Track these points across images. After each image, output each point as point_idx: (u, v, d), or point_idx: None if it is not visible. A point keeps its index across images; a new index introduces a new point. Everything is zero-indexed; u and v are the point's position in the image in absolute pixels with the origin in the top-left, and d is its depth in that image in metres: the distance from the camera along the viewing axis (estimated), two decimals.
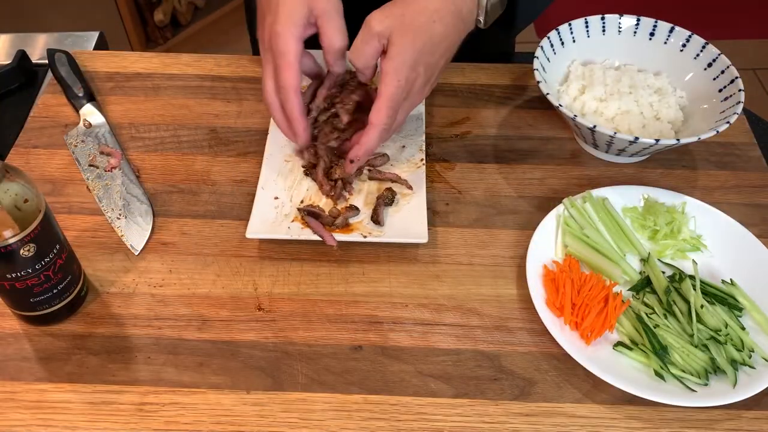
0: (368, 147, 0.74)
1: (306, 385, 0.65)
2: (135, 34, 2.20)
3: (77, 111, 0.88)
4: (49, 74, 0.94)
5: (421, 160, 0.82)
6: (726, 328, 0.67)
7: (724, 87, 0.82)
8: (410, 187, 0.79)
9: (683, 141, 0.75)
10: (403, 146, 0.84)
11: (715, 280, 0.72)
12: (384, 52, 0.72)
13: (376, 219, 0.75)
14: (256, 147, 0.85)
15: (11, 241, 0.59)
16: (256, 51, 0.95)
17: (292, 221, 0.76)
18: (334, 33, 0.72)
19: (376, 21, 0.71)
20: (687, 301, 0.68)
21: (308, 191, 0.79)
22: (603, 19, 0.89)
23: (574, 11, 0.94)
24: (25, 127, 0.88)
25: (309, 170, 0.81)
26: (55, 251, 0.63)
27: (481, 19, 0.77)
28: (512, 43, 1.18)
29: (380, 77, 0.72)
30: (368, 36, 0.71)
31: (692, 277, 0.70)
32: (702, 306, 0.67)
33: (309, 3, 0.71)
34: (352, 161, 0.75)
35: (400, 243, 0.75)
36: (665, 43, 0.89)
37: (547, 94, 0.79)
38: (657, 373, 0.65)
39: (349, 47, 0.74)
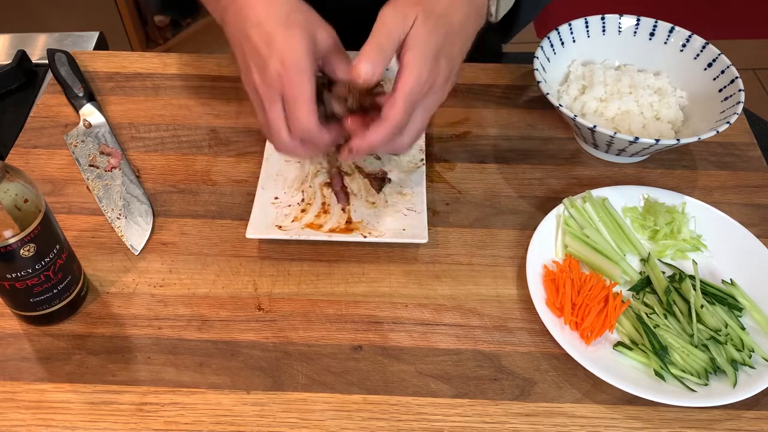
0: (372, 142, 0.64)
1: (306, 385, 0.65)
2: (135, 34, 2.20)
3: (77, 111, 0.88)
4: (49, 74, 0.94)
5: (421, 160, 0.82)
6: (726, 328, 0.67)
7: (724, 87, 0.82)
8: (377, 189, 0.80)
9: (683, 141, 0.75)
10: None
11: (715, 280, 0.72)
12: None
13: (375, 186, 0.79)
14: (256, 147, 0.85)
15: (11, 241, 0.59)
16: None
17: (293, 221, 0.76)
18: (345, 69, 0.66)
19: (394, 19, 0.62)
20: (687, 301, 0.68)
21: (308, 191, 0.79)
22: (603, 19, 0.89)
23: (574, 11, 0.94)
24: (25, 127, 0.88)
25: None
26: (55, 251, 0.63)
27: (493, 10, 0.72)
28: (500, 44, 1.17)
29: (399, 69, 0.63)
30: (385, 37, 0.62)
31: (692, 277, 0.70)
32: (702, 306, 0.67)
33: (312, 36, 0.63)
34: (350, 151, 0.66)
35: (400, 243, 0.75)
36: (665, 43, 0.89)
37: (547, 94, 0.79)
38: (657, 373, 0.65)
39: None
